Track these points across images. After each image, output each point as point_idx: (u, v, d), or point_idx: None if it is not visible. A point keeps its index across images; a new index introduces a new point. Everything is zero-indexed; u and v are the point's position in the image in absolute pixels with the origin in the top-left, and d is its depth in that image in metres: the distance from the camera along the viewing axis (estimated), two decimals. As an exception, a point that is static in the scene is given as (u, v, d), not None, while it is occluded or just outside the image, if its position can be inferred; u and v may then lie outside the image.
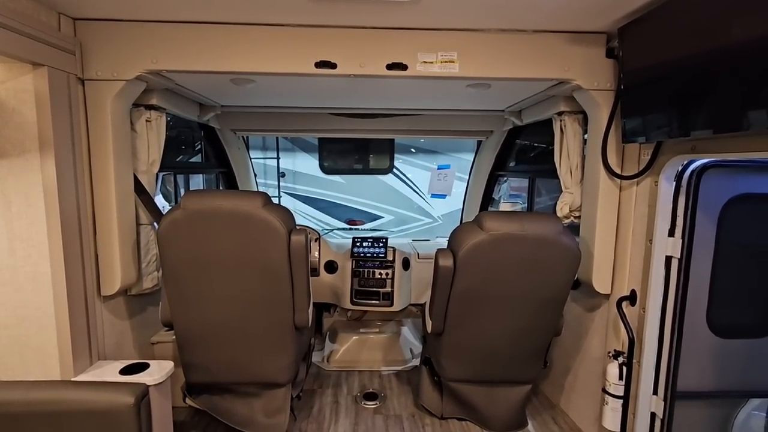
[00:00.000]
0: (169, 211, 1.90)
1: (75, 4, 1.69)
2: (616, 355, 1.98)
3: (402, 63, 1.89)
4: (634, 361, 1.93)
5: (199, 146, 3.74)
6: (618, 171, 1.99)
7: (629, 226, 1.99)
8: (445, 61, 1.89)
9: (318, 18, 1.80)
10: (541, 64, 1.93)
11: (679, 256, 1.77)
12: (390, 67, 1.90)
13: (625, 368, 1.95)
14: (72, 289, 1.76)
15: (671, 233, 1.79)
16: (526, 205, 3.58)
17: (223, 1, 1.64)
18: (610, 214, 2.06)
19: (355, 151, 4.66)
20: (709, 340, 1.86)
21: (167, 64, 1.87)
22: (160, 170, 2.29)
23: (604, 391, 2.01)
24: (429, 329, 2.23)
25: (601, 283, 2.10)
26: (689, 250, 1.76)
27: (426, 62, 1.90)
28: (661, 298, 1.84)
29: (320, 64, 1.89)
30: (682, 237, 1.76)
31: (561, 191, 2.35)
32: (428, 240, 3.83)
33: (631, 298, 1.97)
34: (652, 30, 1.64)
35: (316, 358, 3.17)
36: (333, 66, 1.89)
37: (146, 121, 2.17)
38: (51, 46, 1.63)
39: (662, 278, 1.83)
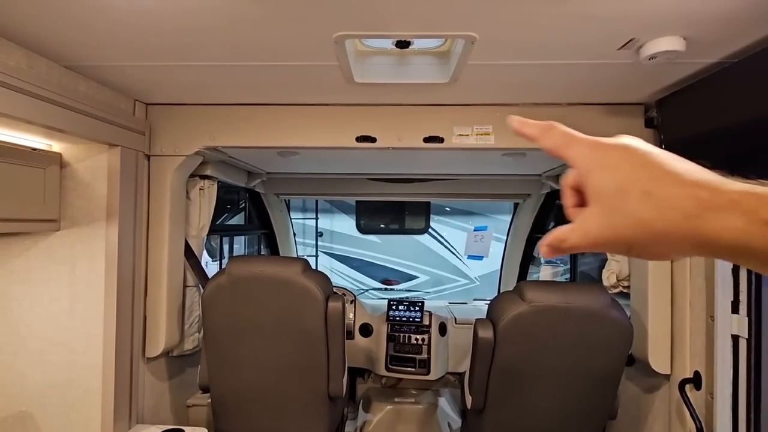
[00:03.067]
0: (215, 275, 1.99)
1: (149, 93, 1.93)
2: (684, 447, 1.76)
3: (438, 136, 1.98)
4: (705, 455, 1.70)
5: (243, 205, 3.96)
6: (667, 240, 1.90)
7: (686, 299, 1.85)
8: (481, 134, 1.96)
9: (359, 98, 1.94)
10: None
11: (746, 336, 1.61)
12: (427, 140, 1.98)
13: (695, 464, 1.72)
14: (120, 351, 1.83)
15: (735, 309, 1.65)
16: (568, 266, 3.44)
17: (273, 87, 1.82)
18: (663, 285, 1.93)
19: (392, 211, 4.75)
20: (793, 434, 1.62)
21: (223, 141, 2.05)
22: (208, 233, 2.43)
23: (673, 490, 1.77)
24: (469, 405, 2.09)
25: (658, 361, 1.92)
26: (758, 329, 1.59)
27: (462, 135, 1.97)
28: (731, 383, 1.65)
29: (361, 139, 2.01)
30: (748, 314, 1.61)
31: (606, 257, 2.26)
32: (465, 303, 3.71)
33: (696, 380, 1.78)
34: (693, 101, 1.63)
35: (349, 428, 3.03)
36: (373, 140, 2.00)
37: (200, 189, 2.35)
38: (126, 129, 1.85)
39: (730, 360, 1.65)
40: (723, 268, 1.67)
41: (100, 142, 1.75)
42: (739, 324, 1.63)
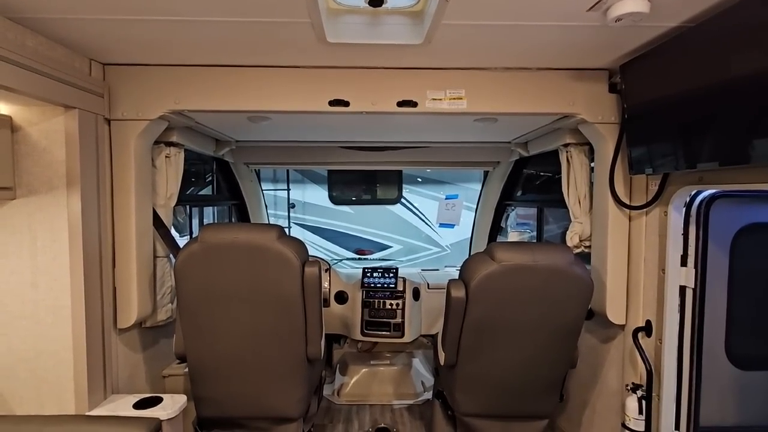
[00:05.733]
0: (187, 244, 1.95)
1: (106, 51, 1.80)
2: (635, 388, 1.94)
3: (412, 100, 1.98)
4: (653, 394, 1.89)
5: (210, 177, 3.84)
6: (626, 201, 2.02)
7: (641, 256, 2.00)
8: (454, 98, 1.97)
9: (332, 60, 1.90)
10: (546, 99, 2.00)
11: (693, 286, 1.76)
12: (400, 104, 1.98)
13: (644, 402, 1.90)
14: (90, 323, 1.79)
15: (683, 263, 1.79)
16: (534, 233, 3.59)
17: (242, 46, 1.75)
18: (621, 243, 2.06)
19: (364, 182, 4.74)
20: (729, 372, 1.82)
21: (189, 105, 1.96)
22: (176, 203, 2.36)
23: (624, 426, 1.95)
24: (442, 361, 2.20)
25: (615, 313, 2.08)
26: (703, 280, 1.75)
27: (435, 99, 1.98)
28: (678, 329, 1.82)
29: (334, 103, 1.97)
30: (695, 267, 1.76)
31: (568, 219, 2.38)
32: (437, 269, 3.83)
33: (647, 328, 1.95)
34: (654, 66, 1.70)
35: (326, 391, 3.13)
36: (346, 104, 1.97)
37: (166, 157, 2.26)
38: (82, 90, 1.73)
39: (677, 308, 1.82)
40: (675, 225, 1.80)
41: (53, 104, 1.64)
42: (687, 276, 1.78)
